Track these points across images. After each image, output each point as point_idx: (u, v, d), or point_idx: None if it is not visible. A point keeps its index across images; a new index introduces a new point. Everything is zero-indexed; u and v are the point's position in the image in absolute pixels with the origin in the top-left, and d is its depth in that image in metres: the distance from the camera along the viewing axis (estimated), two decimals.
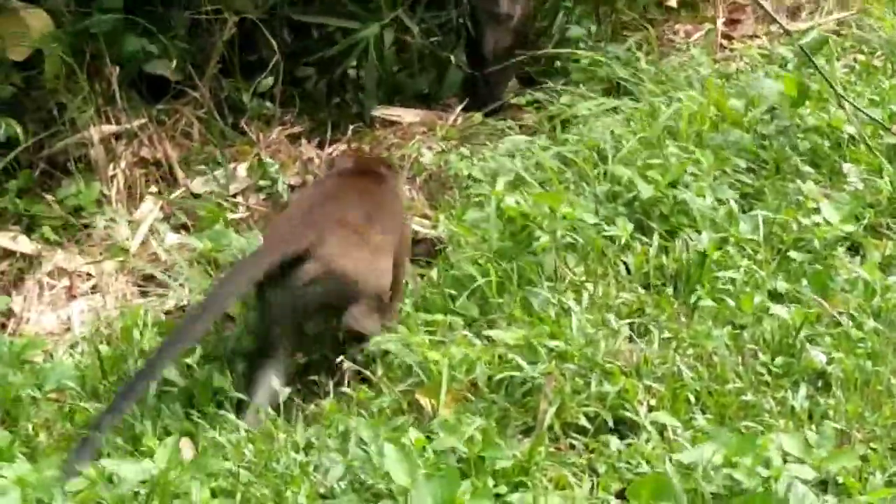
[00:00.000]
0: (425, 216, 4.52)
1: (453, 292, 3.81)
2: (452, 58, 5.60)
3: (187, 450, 3.30)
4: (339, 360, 3.49)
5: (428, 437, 3.06)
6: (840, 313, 3.54)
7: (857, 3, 5.88)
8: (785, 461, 2.94)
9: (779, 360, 3.37)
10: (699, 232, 3.94)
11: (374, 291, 3.60)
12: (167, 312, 4.21)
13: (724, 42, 6.04)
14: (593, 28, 5.91)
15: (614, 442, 3.12)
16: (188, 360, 3.63)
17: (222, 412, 3.43)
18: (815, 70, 4.61)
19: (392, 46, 5.55)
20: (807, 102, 4.55)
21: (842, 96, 4.39)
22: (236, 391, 3.52)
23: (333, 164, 4.54)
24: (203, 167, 5.05)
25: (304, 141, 5.25)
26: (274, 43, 5.22)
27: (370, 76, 5.44)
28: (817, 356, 3.37)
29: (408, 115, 5.41)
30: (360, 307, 3.57)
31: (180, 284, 4.30)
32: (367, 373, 3.49)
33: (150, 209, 4.83)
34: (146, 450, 3.27)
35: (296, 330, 3.62)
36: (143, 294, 4.40)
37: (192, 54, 5.26)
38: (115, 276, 4.46)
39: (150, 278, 4.47)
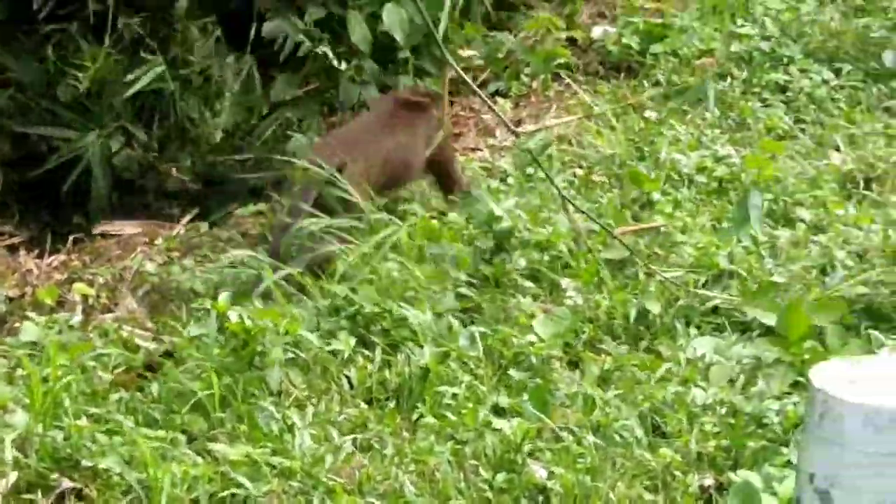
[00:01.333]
0: (146, 329, 4.42)
1: (175, 407, 3.72)
2: (174, 170, 5.56)
3: None
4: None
5: None
6: (560, 428, 3.60)
7: (578, 112, 6.08)
8: None
9: (501, 475, 3.38)
10: (421, 346, 3.97)
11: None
12: None
13: None
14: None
15: None
16: None
17: None
18: (538, 180, 4.74)
19: (116, 155, 5.47)
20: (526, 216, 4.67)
21: (567, 199, 4.51)
22: None
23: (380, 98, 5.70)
24: None
25: (23, 252, 5.11)
26: None
27: (95, 186, 5.35)
28: (538, 471, 3.40)
29: (129, 228, 5.32)
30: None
31: None
32: (87, 490, 3.37)
33: None
34: None
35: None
36: None
37: None
38: None
39: None
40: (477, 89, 5.37)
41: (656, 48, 6.40)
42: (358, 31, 5.93)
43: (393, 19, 5.92)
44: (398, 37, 5.92)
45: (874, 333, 3.93)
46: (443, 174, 5.22)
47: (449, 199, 5.13)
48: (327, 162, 4.67)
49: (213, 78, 5.71)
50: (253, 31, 5.76)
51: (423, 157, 5.09)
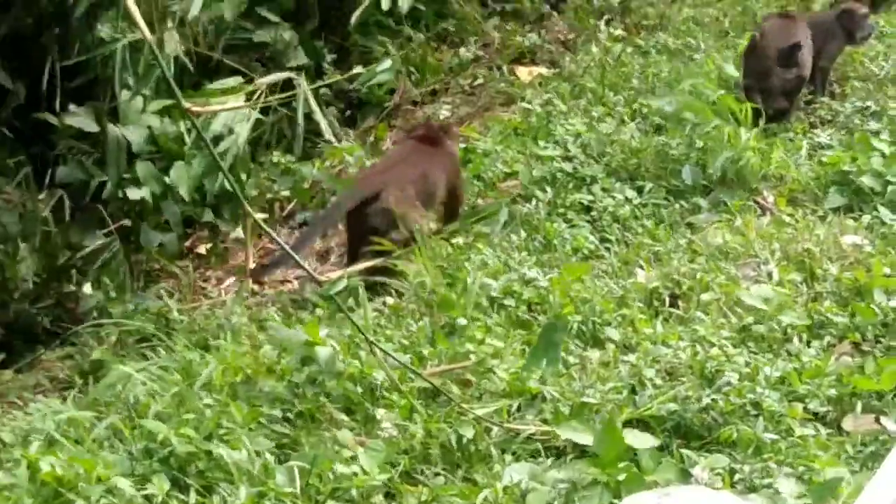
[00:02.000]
0: None
1: None
2: None
3: None
4: None
5: None
6: None
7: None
8: None
9: None
10: (237, 486, 3.90)
11: (411, 226, 5.72)
12: None
13: (256, 287, 6.13)
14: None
15: None
16: None
17: None
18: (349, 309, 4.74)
19: None
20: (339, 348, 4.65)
21: (371, 342, 4.50)
22: None
23: (412, 130, 6.68)
24: None
25: None
26: None
27: None
28: None
29: None
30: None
31: None
32: None
33: None
34: None
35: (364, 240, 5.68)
36: None
37: None
38: None
39: None
40: (276, 237, 5.32)
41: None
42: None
43: (180, 175, 6.10)
44: (182, 192, 6.07)
45: (686, 452, 4.01)
46: (452, 206, 6.13)
47: (444, 227, 6.00)
48: (368, 188, 5.80)
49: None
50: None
51: (443, 185, 6.04)
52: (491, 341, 4.79)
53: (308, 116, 6.70)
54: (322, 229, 5.99)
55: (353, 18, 7.71)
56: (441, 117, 7.57)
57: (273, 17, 7.65)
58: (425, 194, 5.93)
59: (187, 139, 6.46)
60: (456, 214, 6.13)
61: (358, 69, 7.32)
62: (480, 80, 8.07)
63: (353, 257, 5.86)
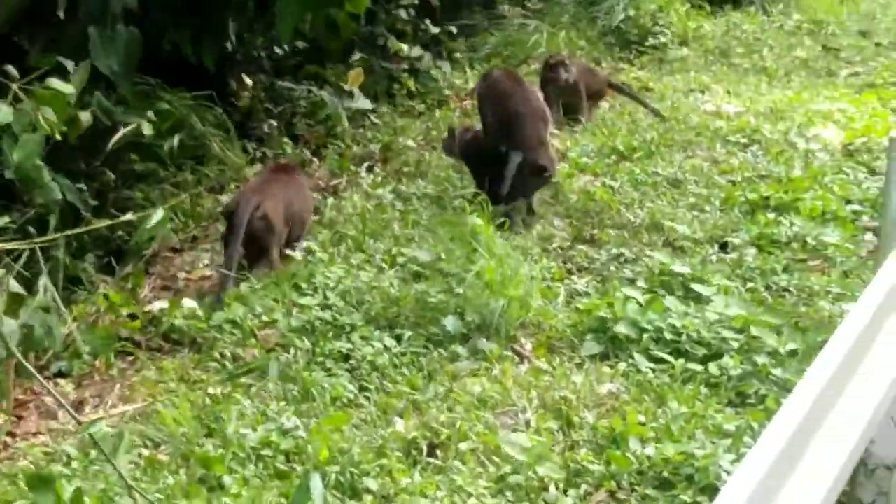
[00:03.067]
0: None
1: None
2: None
3: None
4: None
5: None
6: None
7: (141, 395, 5.90)
8: None
9: None
10: None
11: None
12: None
13: (9, 440, 5.85)
14: None
15: None
16: None
17: None
18: (101, 462, 4.53)
19: None
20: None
21: (132, 487, 4.29)
22: None
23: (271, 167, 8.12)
24: None
25: None
26: None
27: None
28: None
29: None
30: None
31: None
32: None
33: None
34: None
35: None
36: None
37: None
38: None
39: None
40: (35, 373, 5.13)
41: (219, 319, 6.35)
42: None
43: None
44: None
45: None
46: (300, 229, 7.36)
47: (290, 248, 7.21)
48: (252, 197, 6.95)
49: None
50: None
51: (300, 209, 7.37)
52: (247, 494, 4.67)
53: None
54: (236, 244, 6.73)
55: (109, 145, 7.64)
56: (202, 265, 7.46)
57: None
58: (287, 213, 7.10)
59: None
60: (301, 237, 7.35)
61: (129, 216, 7.19)
62: None
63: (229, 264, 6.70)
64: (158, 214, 7.49)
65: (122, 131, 7.71)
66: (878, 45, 13.82)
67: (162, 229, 7.37)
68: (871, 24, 15.05)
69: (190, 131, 8.62)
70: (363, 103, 10.09)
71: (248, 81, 9.64)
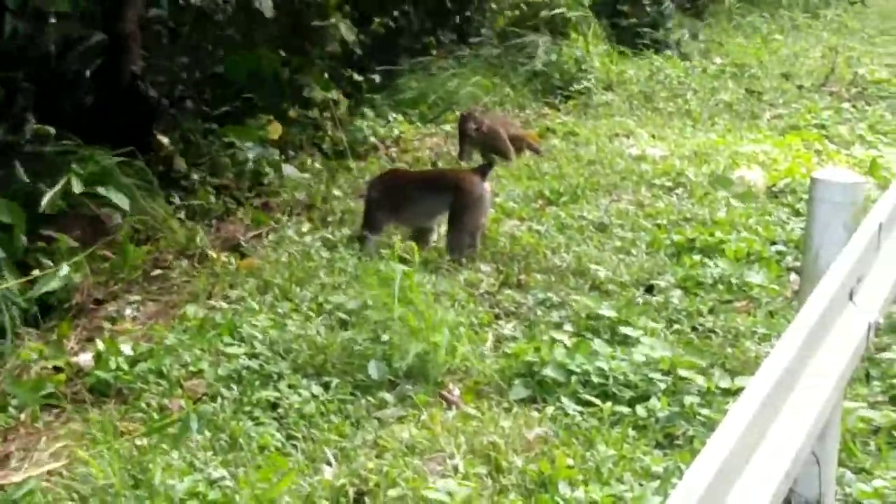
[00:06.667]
0: None
1: None
2: None
3: None
4: None
5: None
6: None
7: (67, 449, 5.81)
8: None
9: None
10: None
11: None
12: None
13: None
14: None
15: None
16: None
17: None
18: None
19: None
20: None
21: None
22: None
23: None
24: None
25: None
26: None
27: None
28: None
29: None
30: None
31: None
32: None
33: None
34: None
35: None
36: None
37: None
38: None
39: None
40: None
41: (143, 369, 6.29)
42: None
43: None
44: None
45: None
46: None
47: None
48: None
49: None
50: None
51: None
52: None
53: None
54: None
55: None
56: (126, 315, 7.38)
57: None
58: None
59: None
60: None
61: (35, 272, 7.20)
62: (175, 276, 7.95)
63: None
64: (64, 270, 7.49)
65: (53, 189, 7.74)
66: (800, 87, 14.06)
67: (67, 282, 7.40)
68: (792, 66, 15.31)
69: (116, 185, 8.55)
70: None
71: (165, 140, 9.60)
